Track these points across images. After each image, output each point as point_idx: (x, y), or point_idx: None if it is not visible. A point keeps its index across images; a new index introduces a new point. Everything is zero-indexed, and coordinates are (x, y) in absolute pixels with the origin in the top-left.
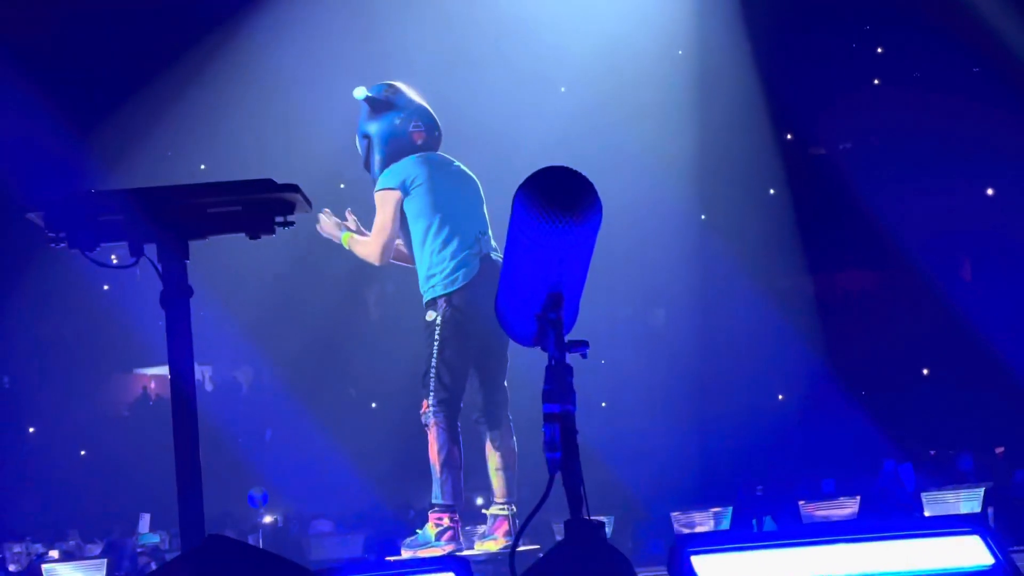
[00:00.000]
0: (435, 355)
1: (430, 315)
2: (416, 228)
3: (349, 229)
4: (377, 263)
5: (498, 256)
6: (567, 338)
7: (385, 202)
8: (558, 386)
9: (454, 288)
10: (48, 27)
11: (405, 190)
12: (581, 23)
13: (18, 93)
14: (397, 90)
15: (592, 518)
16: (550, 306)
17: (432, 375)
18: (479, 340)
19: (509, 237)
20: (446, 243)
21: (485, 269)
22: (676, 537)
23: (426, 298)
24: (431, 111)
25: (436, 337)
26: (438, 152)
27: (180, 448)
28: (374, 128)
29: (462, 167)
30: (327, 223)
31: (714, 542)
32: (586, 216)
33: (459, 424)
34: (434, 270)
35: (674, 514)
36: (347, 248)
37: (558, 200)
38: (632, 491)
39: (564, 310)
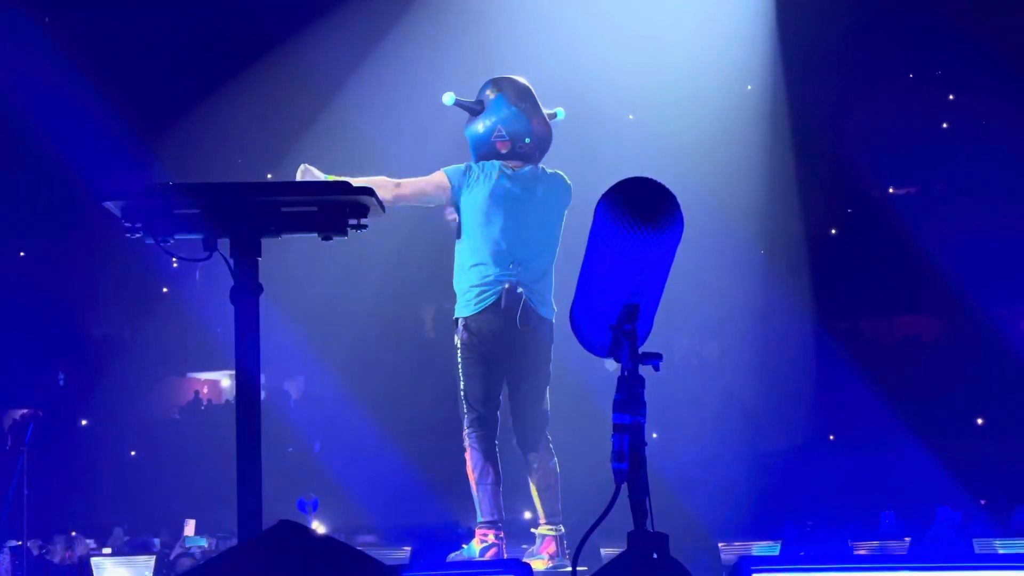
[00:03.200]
0: (461, 377)
1: (455, 338)
2: (459, 240)
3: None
4: (384, 196)
5: (523, 290)
6: (640, 350)
7: (435, 176)
8: (630, 397)
9: (469, 313)
10: (126, 28)
11: (457, 186)
12: (652, 53)
13: (93, 92)
14: (500, 91)
15: (656, 531)
16: (626, 317)
17: (462, 396)
18: (503, 364)
19: (589, 246)
20: (476, 266)
21: (504, 300)
22: (740, 556)
23: (454, 315)
24: (531, 120)
25: (459, 359)
26: (534, 165)
27: (242, 439)
28: (468, 131)
29: (549, 188)
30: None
31: (777, 561)
32: (667, 227)
33: (497, 442)
34: (461, 290)
35: (721, 544)
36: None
37: (640, 209)
38: (680, 521)
39: (639, 321)
